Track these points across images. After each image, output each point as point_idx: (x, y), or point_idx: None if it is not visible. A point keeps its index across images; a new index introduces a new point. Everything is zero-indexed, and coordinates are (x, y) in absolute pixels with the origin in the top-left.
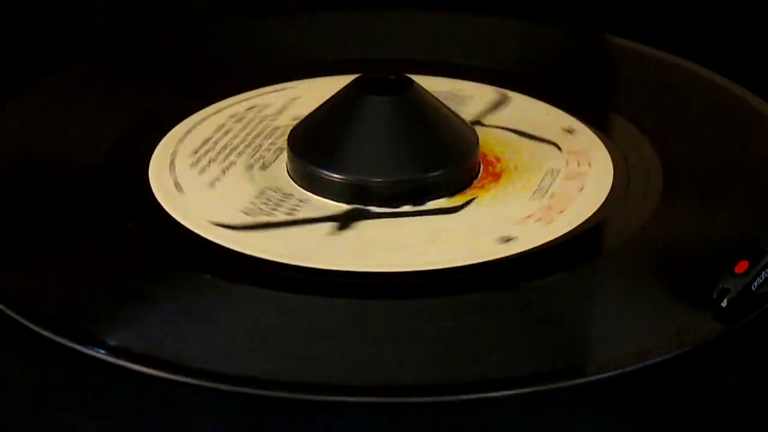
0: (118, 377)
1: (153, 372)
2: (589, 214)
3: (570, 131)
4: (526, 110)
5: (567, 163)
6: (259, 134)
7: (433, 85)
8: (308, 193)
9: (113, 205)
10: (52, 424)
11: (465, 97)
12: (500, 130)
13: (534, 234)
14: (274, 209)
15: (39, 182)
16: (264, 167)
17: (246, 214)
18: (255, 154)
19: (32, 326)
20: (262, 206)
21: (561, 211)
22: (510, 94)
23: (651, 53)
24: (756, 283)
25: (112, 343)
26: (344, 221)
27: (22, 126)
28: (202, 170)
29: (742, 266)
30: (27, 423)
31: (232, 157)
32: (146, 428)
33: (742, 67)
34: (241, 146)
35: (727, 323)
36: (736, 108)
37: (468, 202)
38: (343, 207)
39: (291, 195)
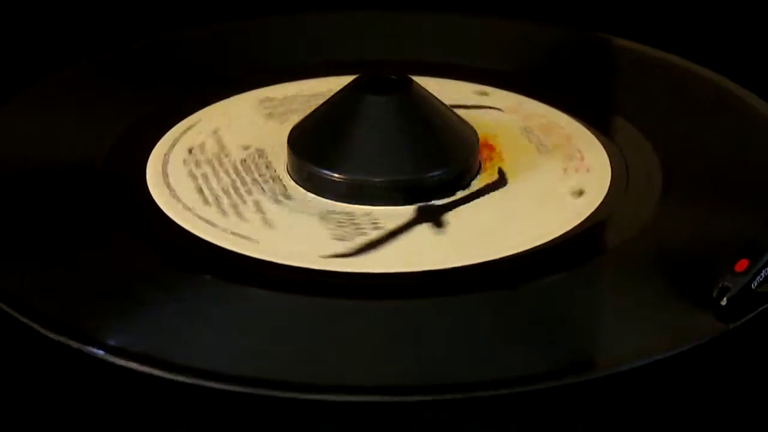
0: (118, 377)
1: (153, 371)
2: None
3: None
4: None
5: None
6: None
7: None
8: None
9: (113, 206)
10: (52, 423)
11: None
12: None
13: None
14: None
15: (38, 182)
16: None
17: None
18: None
19: (33, 325)
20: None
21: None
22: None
23: (651, 54)
24: (756, 282)
25: (112, 343)
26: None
27: (22, 126)
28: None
29: (742, 264)
30: (27, 423)
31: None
32: (146, 428)
33: (742, 67)
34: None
35: (727, 322)
36: (735, 108)
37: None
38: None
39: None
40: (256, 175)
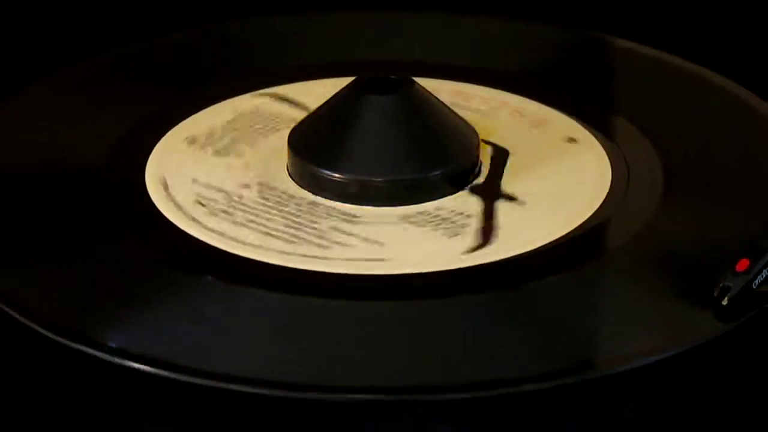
0: (118, 377)
1: (153, 371)
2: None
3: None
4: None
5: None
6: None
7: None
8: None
9: (114, 207)
10: (53, 424)
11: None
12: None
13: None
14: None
15: (38, 183)
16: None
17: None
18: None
19: (33, 326)
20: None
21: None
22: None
23: (651, 54)
24: (757, 282)
25: (112, 343)
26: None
27: (21, 127)
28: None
29: (742, 264)
30: (27, 423)
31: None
32: (146, 428)
33: (742, 67)
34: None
35: (728, 322)
36: (735, 108)
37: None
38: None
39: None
40: (294, 206)
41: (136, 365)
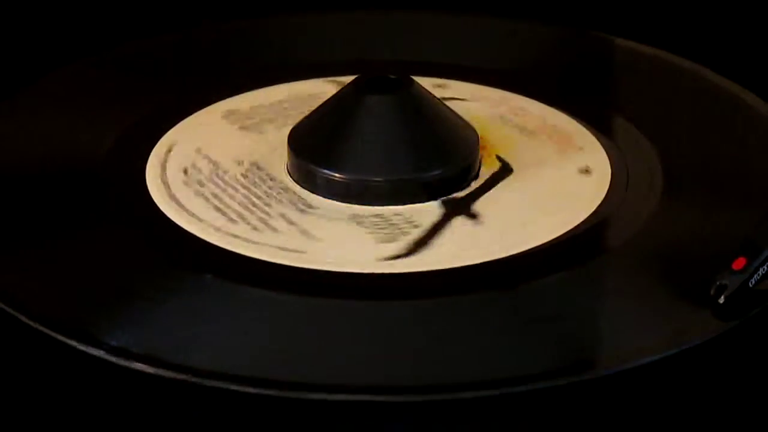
0: (118, 377)
1: (153, 371)
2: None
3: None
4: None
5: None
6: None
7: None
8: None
9: (113, 205)
10: (52, 423)
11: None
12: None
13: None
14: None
15: (38, 182)
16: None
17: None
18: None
19: (33, 325)
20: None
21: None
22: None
23: (651, 53)
24: (753, 280)
25: (113, 342)
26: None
27: (21, 126)
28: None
29: (739, 263)
30: (27, 423)
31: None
32: (145, 428)
33: (742, 67)
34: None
35: (725, 320)
36: (735, 108)
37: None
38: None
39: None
40: (266, 188)
41: (137, 364)
